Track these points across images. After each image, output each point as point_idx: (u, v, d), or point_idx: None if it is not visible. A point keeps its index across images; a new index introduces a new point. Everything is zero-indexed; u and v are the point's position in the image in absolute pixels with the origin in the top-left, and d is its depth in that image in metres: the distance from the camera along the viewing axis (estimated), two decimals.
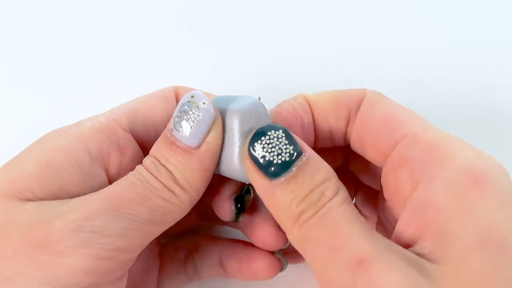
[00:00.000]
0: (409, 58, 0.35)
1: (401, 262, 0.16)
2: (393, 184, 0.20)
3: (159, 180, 0.19)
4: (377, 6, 0.37)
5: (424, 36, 0.36)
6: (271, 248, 0.24)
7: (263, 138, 0.18)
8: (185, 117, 0.19)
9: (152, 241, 0.25)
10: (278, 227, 0.23)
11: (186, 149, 0.19)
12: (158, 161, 0.19)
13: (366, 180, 0.26)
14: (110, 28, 0.37)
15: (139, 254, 0.24)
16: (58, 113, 0.33)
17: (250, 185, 0.23)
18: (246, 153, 0.19)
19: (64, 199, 0.19)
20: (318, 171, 0.18)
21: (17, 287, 0.17)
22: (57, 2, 0.38)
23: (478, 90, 0.34)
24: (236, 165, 0.20)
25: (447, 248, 0.16)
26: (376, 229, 0.24)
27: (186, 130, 0.19)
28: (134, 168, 0.20)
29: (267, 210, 0.24)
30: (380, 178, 0.21)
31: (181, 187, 0.19)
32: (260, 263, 0.24)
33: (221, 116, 0.20)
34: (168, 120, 0.22)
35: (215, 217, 0.26)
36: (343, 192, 0.18)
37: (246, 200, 0.23)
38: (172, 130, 0.19)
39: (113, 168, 0.21)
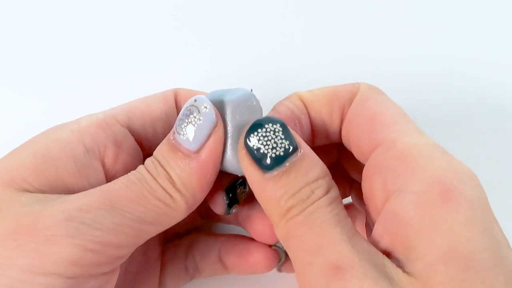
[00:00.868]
0: (410, 58, 0.35)
1: (375, 273, 0.16)
2: (368, 190, 0.20)
3: (157, 181, 0.19)
4: (377, 6, 0.37)
5: (426, 36, 0.36)
6: (269, 241, 0.24)
7: (259, 130, 0.18)
8: (186, 121, 0.19)
9: (153, 242, 0.25)
10: None
11: (186, 153, 0.19)
12: (159, 162, 0.20)
13: (357, 177, 0.26)
14: (110, 28, 0.37)
15: (140, 254, 0.24)
16: (58, 113, 0.33)
17: (244, 177, 0.23)
18: (243, 143, 0.19)
19: (63, 194, 0.19)
20: (311, 168, 0.18)
21: (0, 273, 0.17)
22: (57, 2, 0.38)
23: (478, 87, 0.34)
24: (227, 155, 0.20)
25: (417, 262, 0.16)
26: (365, 226, 0.24)
27: (186, 133, 0.19)
28: (131, 162, 0.21)
29: None
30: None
31: (178, 190, 0.19)
32: (258, 255, 0.24)
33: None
34: (165, 118, 0.23)
35: (215, 215, 0.26)
36: (334, 191, 0.18)
37: (239, 192, 0.23)
38: (174, 133, 0.19)
39: (110, 161, 0.21)
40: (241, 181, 0.23)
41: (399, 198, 0.17)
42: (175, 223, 0.20)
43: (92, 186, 0.20)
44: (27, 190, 0.19)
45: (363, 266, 0.16)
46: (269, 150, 0.18)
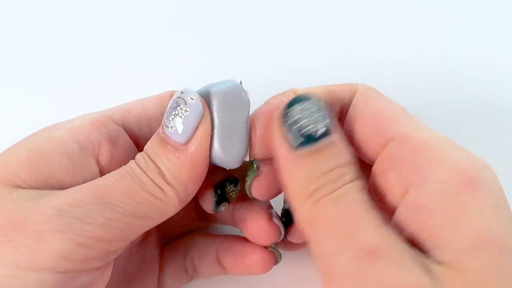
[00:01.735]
0: (410, 59, 0.35)
1: (410, 260, 0.16)
2: (382, 185, 0.19)
3: (147, 175, 0.19)
4: (377, 6, 0.37)
5: (426, 36, 0.36)
6: (264, 242, 0.24)
7: (302, 104, 0.18)
8: (174, 113, 0.19)
9: (151, 243, 0.25)
10: (271, 221, 0.23)
11: (175, 146, 0.19)
12: (149, 156, 0.19)
13: None
14: (110, 28, 0.37)
15: (139, 255, 0.24)
16: (58, 113, 0.33)
17: (237, 176, 0.23)
18: (280, 113, 0.18)
19: (55, 190, 0.19)
20: (342, 153, 0.18)
21: None
22: (57, 2, 0.38)
23: (478, 87, 0.34)
24: (214, 147, 0.20)
25: (446, 250, 0.16)
26: None
27: (174, 126, 0.19)
28: (126, 160, 0.20)
29: (260, 203, 0.24)
30: (368, 177, 0.21)
31: (168, 184, 0.19)
32: (254, 257, 0.24)
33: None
34: (161, 118, 0.22)
35: (213, 216, 0.26)
36: (362, 181, 0.18)
37: (228, 190, 0.22)
38: (163, 127, 0.19)
39: (104, 158, 0.21)
40: (232, 179, 0.23)
41: (422, 189, 0.17)
42: (167, 217, 0.20)
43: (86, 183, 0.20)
44: (19, 187, 0.19)
45: (399, 251, 0.16)
46: (305, 127, 0.18)
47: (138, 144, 0.22)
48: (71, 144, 0.20)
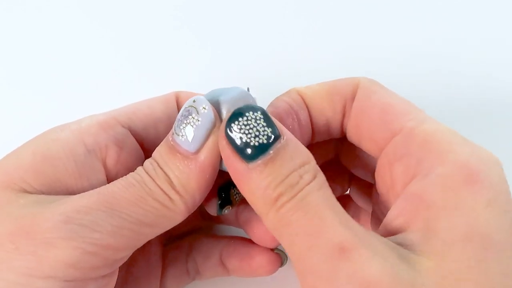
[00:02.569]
0: (410, 58, 0.35)
1: (383, 248, 0.16)
2: (388, 177, 0.19)
3: (155, 183, 0.19)
4: (377, 6, 0.37)
5: (426, 36, 0.36)
6: (270, 245, 0.23)
7: (240, 118, 0.18)
8: (185, 122, 0.19)
9: (154, 244, 0.25)
10: None
11: (184, 154, 0.19)
12: (157, 164, 0.19)
13: (358, 173, 0.25)
14: (110, 28, 0.37)
15: (141, 256, 0.24)
16: (58, 113, 0.33)
17: None
18: (223, 133, 0.18)
19: (62, 195, 0.19)
20: (296, 154, 0.18)
21: None
22: (57, 2, 0.38)
23: (478, 87, 0.34)
24: None
25: (432, 241, 0.16)
26: (371, 221, 0.24)
27: (185, 134, 0.19)
28: (133, 163, 0.20)
29: None
30: (373, 171, 0.21)
31: (177, 192, 0.19)
32: (260, 259, 0.24)
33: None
34: (167, 120, 0.22)
35: (216, 217, 0.26)
36: (321, 176, 0.18)
37: (232, 193, 0.22)
38: (173, 134, 0.19)
39: (111, 161, 0.21)
40: None
41: (422, 181, 0.17)
42: (174, 225, 0.20)
43: (93, 186, 0.19)
44: (26, 191, 0.18)
45: (368, 245, 0.16)
46: (252, 139, 0.17)
47: (144, 147, 0.22)
48: (77, 146, 0.20)
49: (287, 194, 0.17)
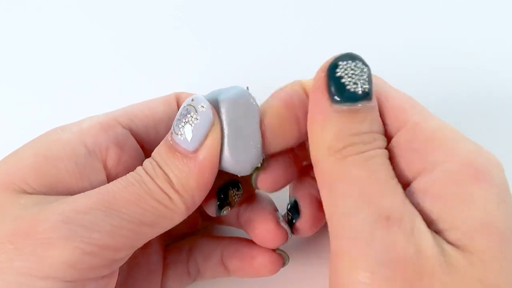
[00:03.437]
0: (410, 58, 0.35)
1: (425, 231, 0.16)
2: None
3: (155, 182, 0.19)
4: (377, 6, 0.37)
5: (426, 36, 0.36)
6: (272, 245, 0.23)
7: (351, 62, 0.18)
8: (184, 121, 0.19)
9: (155, 244, 0.25)
10: (278, 224, 0.23)
11: (184, 153, 0.19)
12: (157, 163, 0.19)
13: None
14: (110, 28, 0.37)
15: (142, 257, 0.24)
16: (59, 113, 0.33)
17: (239, 178, 0.23)
18: (326, 65, 0.18)
19: (62, 196, 0.19)
20: (376, 121, 0.18)
21: None
22: (57, 2, 0.38)
23: (478, 87, 0.34)
24: (225, 154, 0.20)
25: (451, 231, 0.16)
26: None
27: (184, 133, 0.19)
28: (133, 164, 0.20)
29: (266, 206, 0.24)
30: None
31: (176, 191, 0.19)
32: (262, 260, 0.24)
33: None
34: (167, 121, 0.22)
35: (217, 217, 0.26)
36: (387, 151, 0.18)
37: (231, 194, 0.22)
38: (172, 134, 0.19)
39: (112, 162, 0.21)
40: (235, 183, 0.22)
41: (429, 176, 0.17)
42: (174, 225, 0.20)
43: (93, 187, 0.19)
44: (26, 192, 0.18)
45: (415, 222, 0.16)
46: (351, 84, 0.18)
47: (145, 148, 0.22)
48: (78, 147, 0.20)
49: (357, 147, 0.17)
